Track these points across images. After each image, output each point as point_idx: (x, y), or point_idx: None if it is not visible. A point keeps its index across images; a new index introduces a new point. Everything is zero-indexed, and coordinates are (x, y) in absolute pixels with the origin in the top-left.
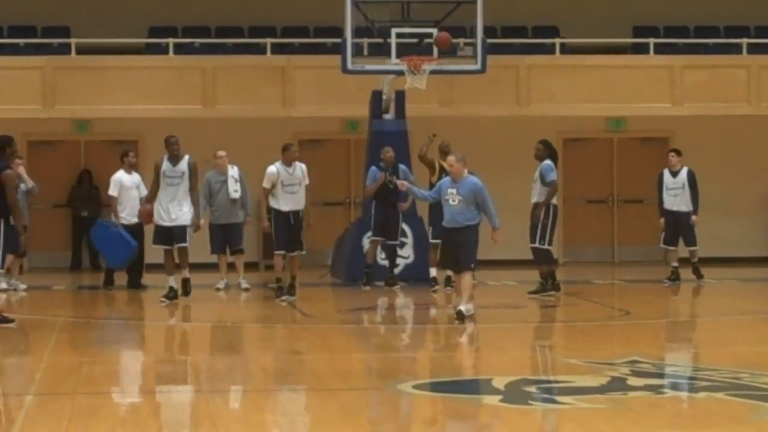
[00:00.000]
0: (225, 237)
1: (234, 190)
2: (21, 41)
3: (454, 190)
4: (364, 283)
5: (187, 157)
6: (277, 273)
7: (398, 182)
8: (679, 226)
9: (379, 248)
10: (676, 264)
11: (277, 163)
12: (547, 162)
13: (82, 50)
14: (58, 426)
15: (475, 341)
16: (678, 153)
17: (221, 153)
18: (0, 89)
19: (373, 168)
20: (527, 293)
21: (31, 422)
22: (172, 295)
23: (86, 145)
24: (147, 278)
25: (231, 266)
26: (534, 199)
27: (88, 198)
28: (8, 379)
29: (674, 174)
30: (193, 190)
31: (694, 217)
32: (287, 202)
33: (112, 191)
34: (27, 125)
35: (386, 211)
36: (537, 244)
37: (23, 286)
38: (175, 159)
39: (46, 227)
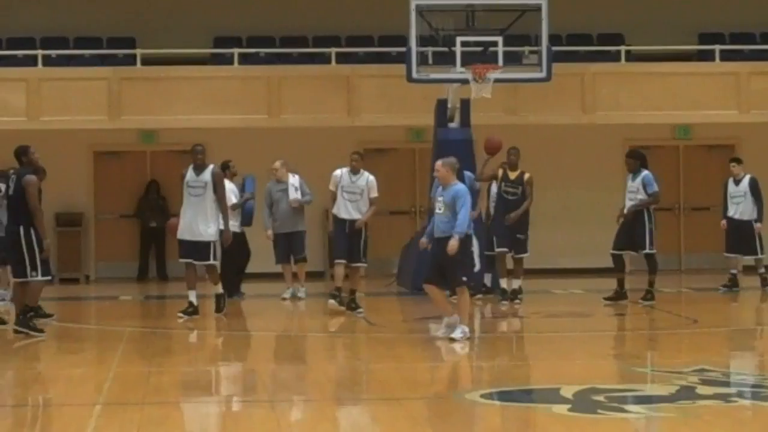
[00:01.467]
0: (288, 246)
1: (294, 198)
2: (87, 52)
3: (441, 198)
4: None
5: (211, 166)
6: (337, 282)
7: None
8: (739, 234)
9: None
10: (734, 271)
11: (344, 169)
12: (647, 172)
13: (147, 61)
14: None
15: (543, 350)
16: (738, 162)
17: (278, 164)
18: (66, 100)
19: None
20: (640, 300)
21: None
22: (191, 310)
23: (152, 155)
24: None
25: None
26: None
27: (156, 208)
28: (77, 389)
29: (737, 182)
30: (219, 201)
31: (758, 225)
32: (346, 209)
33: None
34: (93, 136)
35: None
36: (648, 249)
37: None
38: (199, 168)
39: (113, 237)
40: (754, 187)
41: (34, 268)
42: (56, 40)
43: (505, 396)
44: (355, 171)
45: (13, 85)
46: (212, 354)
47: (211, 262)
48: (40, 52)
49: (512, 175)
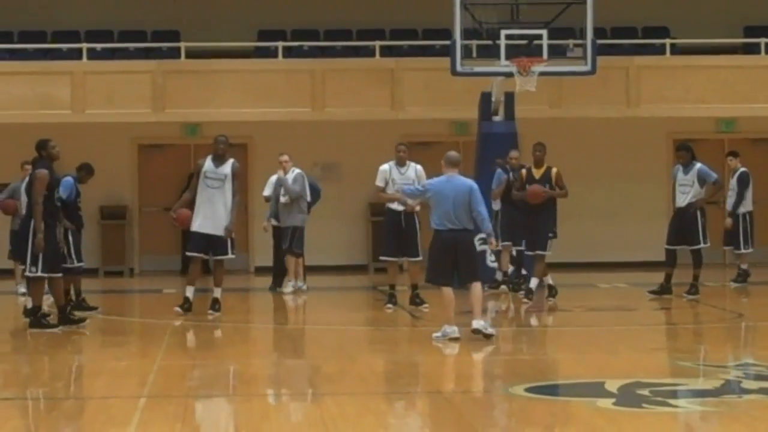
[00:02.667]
0: (286, 239)
1: (282, 194)
2: (131, 45)
3: None
4: (510, 289)
5: (231, 160)
6: (390, 279)
7: (390, 195)
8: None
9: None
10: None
11: (391, 162)
12: (701, 164)
13: (191, 54)
14: (171, 428)
15: (587, 344)
16: (735, 155)
17: (285, 157)
18: (110, 93)
19: (499, 171)
20: (684, 294)
21: (145, 424)
22: (186, 306)
23: (196, 148)
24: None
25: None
26: (684, 203)
27: None
28: (121, 381)
29: (732, 175)
30: (234, 195)
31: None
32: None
33: (266, 192)
34: (137, 129)
35: (511, 214)
36: (702, 244)
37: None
38: (219, 160)
39: (157, 231)
40: (740, 181)
41: (34, 263)
42: (101, 33)
43: (549, 390)
44: (401, 163)
45: (58, 78)
46: (255, 347)
47: (229, 256)
48: (84, 46)
49: (537, 173)
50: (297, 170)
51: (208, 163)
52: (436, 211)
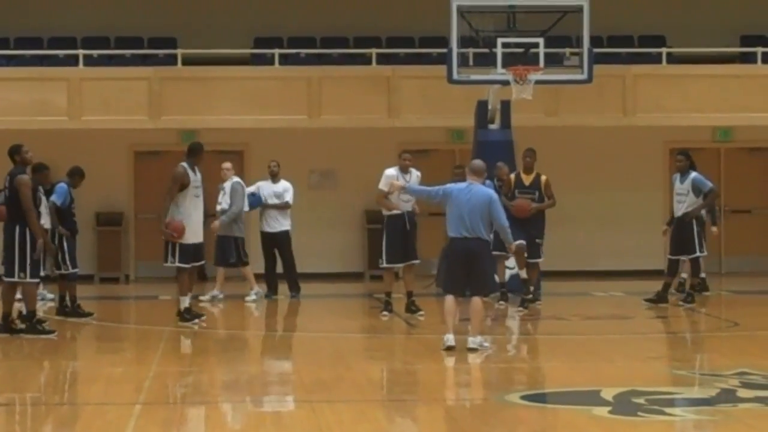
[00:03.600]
0: (219, 249)
1: (218, 202)
2: (128, 52)
3: None
4: (498, 299)
5: (196, 167)
6: (386, 287)
7: (396, 183)
8: None
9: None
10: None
11: (395, 168)
12: (696, 174)
13: (188, 61)
14: None
15: (583, 352)
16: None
17: (228, 164)
18: (107, 100)
19: (488, 182)
20: (680, 302)
21: (140, 431)
22: (188, 316)
23: None
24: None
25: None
26: (681, 213)
27: None
28: (117, 388)
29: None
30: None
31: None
32: (405, 205)
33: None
34: (133, 136)
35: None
36: (698, 253)
37: (50, 296)
38: (195, 168)
39: (153, 237)
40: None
41: (22, 269)
42: (97, 39)
43: (545, 398)
44: (405, 170)
45: (54, 84)
46: (252, 354)
47: (204, 261)
48: (81, 52)
49: (527, 180)
50: (236, 179)
51: (190, 172)
52: (452, 219)
